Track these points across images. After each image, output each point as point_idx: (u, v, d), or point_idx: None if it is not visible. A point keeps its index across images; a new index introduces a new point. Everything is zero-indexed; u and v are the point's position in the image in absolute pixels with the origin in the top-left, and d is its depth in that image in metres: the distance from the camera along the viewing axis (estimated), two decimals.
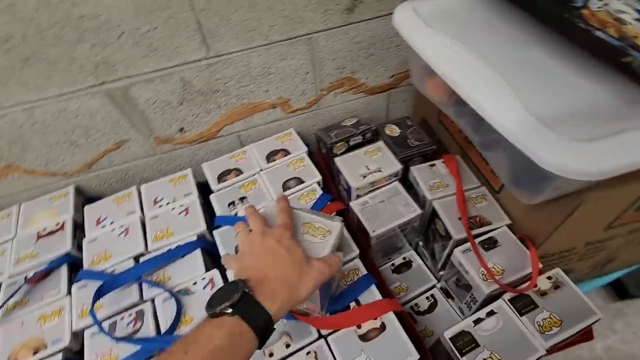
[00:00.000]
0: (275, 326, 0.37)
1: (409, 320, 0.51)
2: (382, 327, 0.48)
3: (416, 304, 0.63)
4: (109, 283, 0.53)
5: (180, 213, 0.63)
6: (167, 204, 0.65)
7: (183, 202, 0.64)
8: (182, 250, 0.58)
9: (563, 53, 0.43)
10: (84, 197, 0.72)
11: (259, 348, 0.35)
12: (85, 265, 0.57)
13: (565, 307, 0.49)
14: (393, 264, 0.70)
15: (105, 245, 0.59)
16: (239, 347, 0.32)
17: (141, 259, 0.57)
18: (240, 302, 0.34)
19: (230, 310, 0.33)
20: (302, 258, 0.39)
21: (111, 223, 0.63)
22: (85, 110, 0.60)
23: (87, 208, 0.66)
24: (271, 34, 0.61)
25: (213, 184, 0.67)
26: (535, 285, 0.51)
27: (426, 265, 0.69)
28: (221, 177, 0.68)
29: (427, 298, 0.64)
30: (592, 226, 0.52)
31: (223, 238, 0.60)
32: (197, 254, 0.58)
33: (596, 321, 0.47)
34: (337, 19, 0.62)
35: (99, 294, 0.51)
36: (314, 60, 0.67)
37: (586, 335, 0.49)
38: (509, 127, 0.34)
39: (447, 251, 0.60)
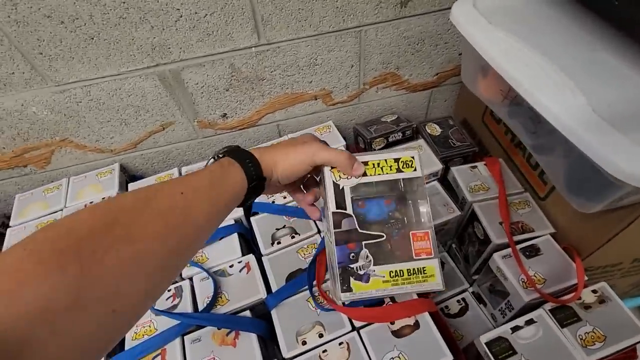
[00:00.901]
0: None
1: (443, 321, 0.51)
2: (416, 324, 0.48)
3: (446, 306, 0.63)
4: None
5: None
6: None
7: None
8: (221, 234, 0.59)
9: (631, 54, 0.41)
10: (128, 175, 0.75)
11: (249, 189, 0.36)
12: None
13: (610, 322, 0.47)
14: None
15: None
16: (229, 178, 0.35)
17: None
18: (231, 151, 0.37)
19: (222, 155, 0.37)
20: (303, 141, 0.40)
21: None
22: (138, 91, 0.63)
23: (131, 186, 0.68)
24: (322, 24, 0.61)
25: None
26: (579, 298, 0.49)
27: (458, 269, 0.68)
28: None
29: (458, 301, 0.63)
30: None
31: (259, 224, 0.61)
32: (234, 237, 0.59)
33: None
34: (390, 12, 0.62)
35: None
36: (360, 53, 0.67)
37: (630, 354, 0.47)
38: (574, 127, 0.32)
39: (484, 255, 0.58)
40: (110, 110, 0.64)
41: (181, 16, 0.54)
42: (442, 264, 0.68)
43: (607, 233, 0.46)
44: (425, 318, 0.48)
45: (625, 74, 0.40)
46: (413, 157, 0.40)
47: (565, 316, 0.47)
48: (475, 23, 0.46)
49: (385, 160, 0.40)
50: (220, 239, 0.59)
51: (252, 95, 0.69)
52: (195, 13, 0.55)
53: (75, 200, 0.67)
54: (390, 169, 0.40)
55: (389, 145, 0.70)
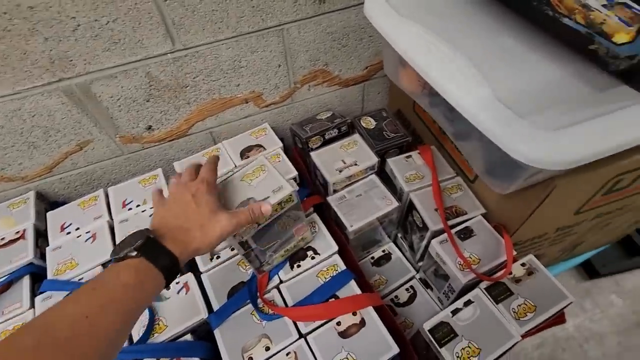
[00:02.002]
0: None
1: (389, 314, 0.51)
2: (362, 322, 0.48)
3: (396, 296, 0.64)
4: None
5: (151, 215, 0.60)
6: (137, 206, 0.62)
7: None
8: None
9: (536, 41, 0.43)
10: (48, 203, 0.68)
11: (166, 287, 0.37)
12: (50, 275, 0.54)
13: (538, 292, 0.50)
14: (373, 258, 0.69)
15: (71, 253, 0.56)
16: (146, 285, 0.34)
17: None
18: (144, 246, 0.36)
19: (134, 253, 0.35)
20: (210, 211, 0.40)
21: (77, 229, 0.59)
22: (43, 110, 0.56)
23: (50, 214, 0.62)
24: (240, 25, 0.58)
25: None
26: (510, 273, 0.52)
27: (405, 257, 0.69)
28: None
29: (407, 289, 0.64)
30: (562, 212, 0.53)
31: None
32: None
33: (568, 304, 0.48)
34: (309, 9, 0.60)
35: None
36: (286, 52, 0.66)
37: (559, 318, 0.51)
38: (480, 116, 0.33)
39: (424, 242, 0.60)
40: (13, 134, 0.58)
41: (79, 25, 0.49)
42: (389, 254, 0.70)
43: (528, 209, 0.49)
44: (371, 314, 0.48)
45: (529, 60, 0.42)
46: (291, 194, 0.46)
47: (499, 292, 0.50)
48: (387, 16, 0.46)
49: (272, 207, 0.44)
50: None
51: (177, 104, 0.65)
52: (95, 20, 0.50)
53: None
54: (276, 211, 0.46)
55: (325, 143, 0.69)
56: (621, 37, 0.31)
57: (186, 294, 0.52)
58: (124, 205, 0.62)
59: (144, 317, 0.49)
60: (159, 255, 0.36)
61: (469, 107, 0.34)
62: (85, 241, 0.58)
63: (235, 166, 0.66)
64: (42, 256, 0.57)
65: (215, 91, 0.66)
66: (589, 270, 1.26)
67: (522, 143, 0.31)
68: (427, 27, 0.43)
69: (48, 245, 0.58)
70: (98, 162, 0.68)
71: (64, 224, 0.60)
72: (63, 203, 0.66)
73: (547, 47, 0.42)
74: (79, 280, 0.53)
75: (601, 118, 0.32)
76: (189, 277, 0.53)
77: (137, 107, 0.62)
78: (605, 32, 0.33)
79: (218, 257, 0.55)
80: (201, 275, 0.54)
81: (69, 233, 0.59)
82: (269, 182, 0.46)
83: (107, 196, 0.64)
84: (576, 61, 0.40)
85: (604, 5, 0.32)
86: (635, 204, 0.61)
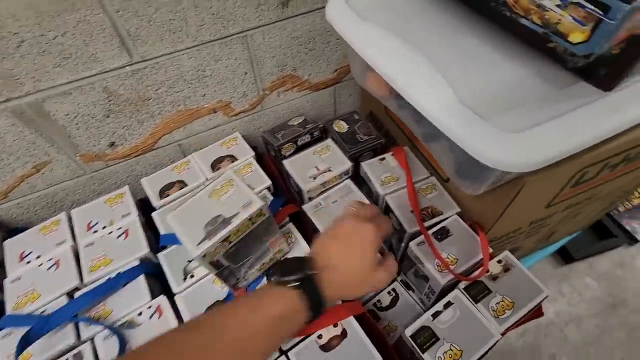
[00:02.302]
0: None
1: (371, 321, 0.51)
2: (344, 333, 0.47)
3: (379, 300, 0.63)
4: (38, 327, 0.47)
5: (119, 237, 0.58)
6: (103, 227, 0.59)
7: (121, 224, 0.59)
8: (124, 279, 0.53)
9: (498, 40, 0.43)
10: (6, 230, 0.64)
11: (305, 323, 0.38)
12: (9, 310, 0.50)
13: (515, 288, 0.50)
14: None
15: (32, 283, 0.53)
16: (294, 321, 0.35)
17: (76, 294, 0.51)
18: (305, 279, 0.36)
19: (296, 284, 0.36)
20: (371, 265, 0.40)
21: (37, 257, 0.56)
22: None
23: (7, 243, 0.58)
24: (201, 34, 0.56)
25: (154, 200, 0.62)
26: (488, 271, 0.52)
27: None
28: (163, 192, 0.63)
29: (389, 292, 0.64)
30: (534, 207, 0.53)
31: (169, 260, 0.55)
32: (141, 280, 0.53)
33: (544, 298, 0.49)
34: (271, 14, 0.59)
35: (26, 342, 0.45)
36: (252, 59, 0.64)
37: (537, 312, 0.51)
38: (442, 118, 0.33)
39: (402, 244, 0.60)
40: None
41: (22, 41, 0.46)
42: None
43: (501, 207, 0.49)
44: (352, 324, 0.47)
45: (494, 59, 0.42)
46: (261, 208, 0.44)
47: (477, 291, 0.50)
48: (348, 19, 0.45)
49: (242, 223, 0.43)
50: (124, 285, 0.53)
51: (140, 118, 0.62)
52: (42, 35, 0.47)
53: None
54: (247, 227, 0.44)
55: (299, 150, 0.68)
56: (576, 37, 0.31)
57: (159, 318, 0.49)
58: (89, 228, 0.59)
59: (114, 347, 0.46)
60: (313, 294, 0.36)
61: (431, 110, 0.34)
62: (48, 269, 0.54)
63: (207, 179, 0.64)
64: (0, 289, 0.53)
65: (180, 102, 0.64)
66: (565, 256, 1.30)
67: (486, 146, 0.31)
68: (389, 29, 0.43)
69: (6, 277, 0.54)
70: (59, 184, 0.64)
71: (23, 252, 0.56)
72: (24, 229, 0.62)
73: (509, 46, 0.43)
74: (42, 313, 0.50)
75: (564, 117, 0.32)
76: (162, 300, 0.51)
77: (96, 123, 0.59)
78: (560, 32, 0.33)
79: (192, 276, 0.53)
80: (175, 297, 0.51)
81: (29, 262, 0.55)
82: (238, 197, 0.44)
83: (70, 219, 0.60)
84: (538, 59, 0.40)
85: (558, 5, 0.32)
86: (602, 193, 0.63)
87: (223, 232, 0.41)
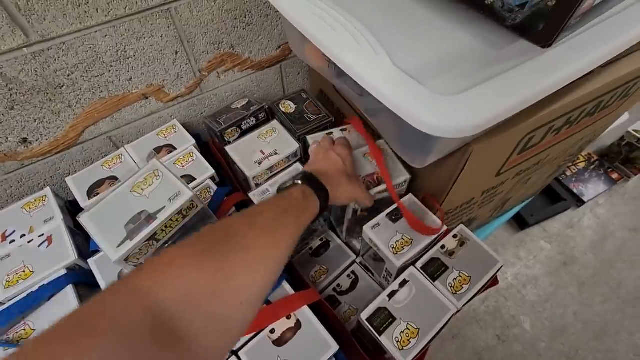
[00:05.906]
0: None
1: (327, 308, 0.48)
2: (298, 325, 0.44)
3: (338, 285, 0.61)
4: None
5: (40, 245, 0.51)
6: (22, 236, 0.52)
7: (43, 231, 0.52)
8: (48, 291, 0.46)
9: (439, 6, 0.40)
10: None
11: (316, 219, 0.41)
12: None
13: (471, 262, 0.49)
14: (311, 248, 0.66)
15: None
16: (309, 208, 0.39)
17: None
18: (305, 177, 0.42)
19: (299, 182, 0.41)
20: (352, 172, 0.48)
21: None
22: None
23: None
24: (113, 7, 0.49)
25: (82, 201, 0.55)
26: (443, 247, 0.51)
27: (343, 242, 0.67)
28: (92, 191, 0.56)
29: (349, 276, 0.62)
30: (484, 176, 0.53)
31: (101, 265, 0.50)
32: (69, 291, 0.47)
33: (500, 269, 0.49)
34: None
35: None
36: (180, 36, 0.57)
37: (493, 282, 0.51)
38: (377, 84, 0.30)
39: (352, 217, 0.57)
40: None
41: None
42: (328, 242, 0.66)
43: (451, 177, 0.48)
44: (306, 314, 0.45)
45: (433, 23, 0.39)
46: (192, 199, 0.41)
47: (435, 269, 0.48)
48: None
49: (171, 219, 0.40)
50: (49, 299, 0.47)
51: (55, 109, 0.55)
52: None
53: None
54: (178, 221, 0.41)
55: (243, 134, 0.63)
56: None
57: None
58: (4, 238, 0.52)
59: None
60: (315, 185, 0.41)
61: (365, 76, 0.31)
62: None
63: None
64: None
65: (103, 88, 0.56)
66: (520, 222, 1.35)
67: (421, 110, 0.28)
68: None
69: None
70: None
71: None
72: None
73: (451, 10, 0.40)
74: None
75: (500, 76, 0.30)
76: None
77: None
78: None
79: None
80: None
81: None
82: (164, 189, 0.39)
83: None
84: (478, 22, 0.38)
85: None
86: (549, 158, 0.63)
87: (147, 230, 0.36)
